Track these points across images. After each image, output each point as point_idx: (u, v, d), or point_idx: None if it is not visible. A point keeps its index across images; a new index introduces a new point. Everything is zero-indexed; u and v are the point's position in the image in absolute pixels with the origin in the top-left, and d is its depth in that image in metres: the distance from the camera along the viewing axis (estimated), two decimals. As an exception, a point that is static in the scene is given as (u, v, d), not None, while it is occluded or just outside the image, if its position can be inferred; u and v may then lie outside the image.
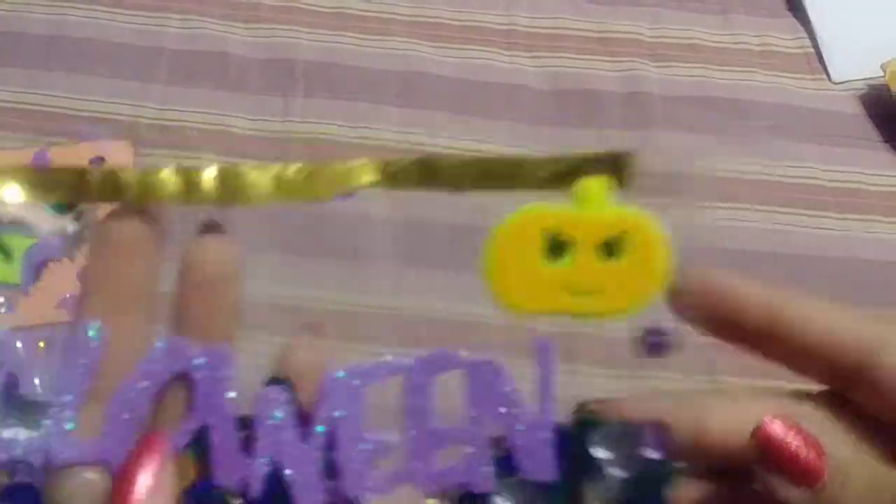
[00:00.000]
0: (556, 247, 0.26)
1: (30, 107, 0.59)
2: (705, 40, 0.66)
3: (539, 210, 0.26)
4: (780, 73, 0.65)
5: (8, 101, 0.58)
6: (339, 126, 0.59)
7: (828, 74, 0.65)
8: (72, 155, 0.56)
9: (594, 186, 0.25)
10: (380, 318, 0.52)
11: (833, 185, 0.60)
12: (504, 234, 0.27)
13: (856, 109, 0.63)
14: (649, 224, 0.25)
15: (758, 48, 0.66)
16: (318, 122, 0.59)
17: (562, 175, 0.25)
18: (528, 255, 0.26)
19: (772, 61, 0.65)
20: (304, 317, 0.52)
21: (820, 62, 0.65)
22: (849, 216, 0.58)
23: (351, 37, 0.64)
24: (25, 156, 0.56)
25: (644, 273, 0.26)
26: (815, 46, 0.66)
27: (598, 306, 0.26)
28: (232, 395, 0.25)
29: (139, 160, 0.57)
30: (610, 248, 0.26)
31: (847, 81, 0.64)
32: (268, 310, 0.52)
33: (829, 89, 0.64)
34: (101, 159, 0.57)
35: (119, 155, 0.57)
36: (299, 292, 0.53)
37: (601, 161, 0.25)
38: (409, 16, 0.65)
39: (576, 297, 0.26)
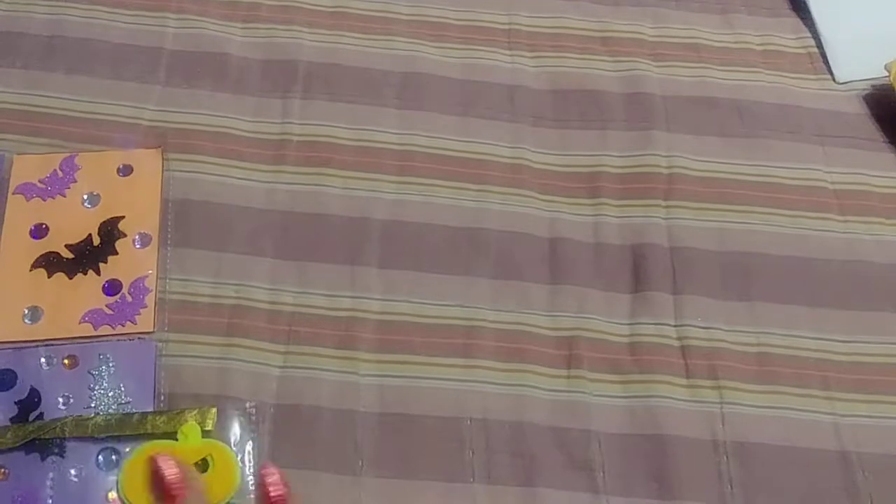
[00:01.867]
0: None
1: (28, 108, 0.58)
2: (707, 40, 0.65)
3: (157, 443, 0.47)
4: (782, 73, 0.64)
5: (6, 102, 0.58)
6: (339, 128, 0.59)
7: (832, 75, 0.64)
8: (100, 162, 0.56)
9: (190, 429, 0.47)
10: (373, 323, 0.52)
11: (836, 186, 0.59)
12: (134, 459, 0.47)
13: (859, 110, 0.63)
14: (225, 450, 0.47)
15: (760, 48, 0.65)
16: (317, 124, 0.59)
17: (173, 423, 0.47)
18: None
19: (774, 61, 0.65)
20: (303, 322, 0.52)
21: (824, 62, 0.65)
22: (851, 218, 0.58)
23: (351, 37, 0.63)
24: (54, 160, 0.56)
25: (224, 479, 0.46)
26: (819, 46, 0.66)
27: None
28: None
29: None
30: (204, 465, 0.46)
31: (851, 82, 0.64)
32: (266, 316, 0.52)
33: (832, 89, 0.64)
34: (129, 167, 0.56)
35: (147, 162, 0.56)
36: (296, 298, 0.53)
37: (194, 413, 0.48)
38: (411, 15, 0.65)
39: None
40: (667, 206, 0.58)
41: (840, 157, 0.60)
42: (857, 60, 0.64)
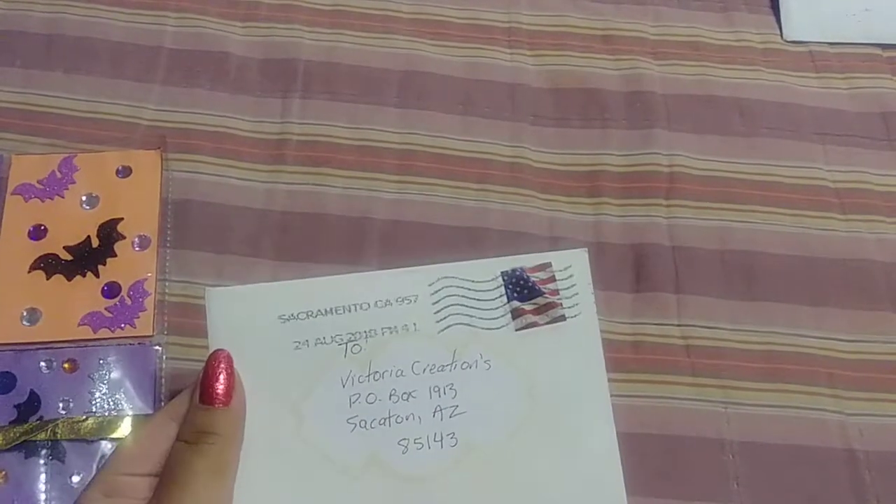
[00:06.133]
0: None
1: (27, 107, 0.58)
2: (708, 38, 0.65)
3: None
4: (783, 71, 0.64)
5: (5, 101, 0.58)
6: (339, 127, 0.59)
7: (780, 32, 0.65)
8: (98, 163, 0.56)
9: None
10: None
11: (837, 185, 0.59)
12: None
13: (861, 108, 0.62)
14: None
15: (760, 46, 0.65)
16: (317, 123, 0.59)
17: None
18: None
19: (775, 59, 0.65)
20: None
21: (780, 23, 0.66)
22: (853, 217, 0.58)
23: (351, 35, 0.63)
24: (52, 161, 0.55)
25: None
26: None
27: None
28: None
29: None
30: None
31: (799, 42, 0.65)
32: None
33: (833, 88, 0.63)
34: (128, 169, 0.56)
35: (146, 164, 0.56)
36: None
37: None
38: (411, 14, 0.65)
39: None
40: (668, 206, 0.57)
41: (841, 155, 0.60)
42: (809, 20, 0.65)
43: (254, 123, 0.59)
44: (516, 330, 0.43)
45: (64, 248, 0.53)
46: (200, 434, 0.37)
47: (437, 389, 0.41)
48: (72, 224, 0.54)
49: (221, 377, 0.38)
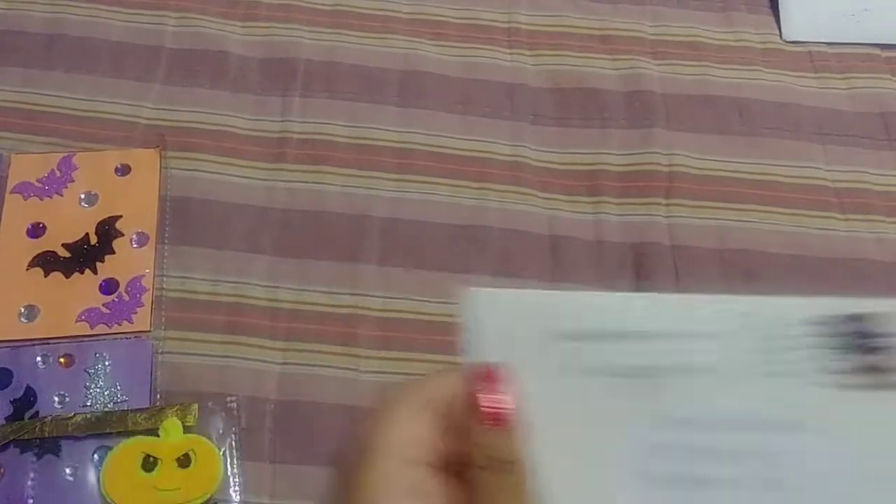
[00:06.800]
0: (150, 463, 0.47)
1: (28, 106, 0.58)
2: (707, 38, 0.65)
3: (138, 440, 0.47)
4: (782, 72, 0.64)
5: (6, 101, 0.58)
6: (339, 126, 0.59)
7: (780, 32, 0.65)
8: (97, 161, 0.56)
9: (171, 424, 0.47)
10: (373, 320, 0.52)
11: (836, 185, 0.59)
12: (115, 456, 0.47)
13: (860, 108, 0.62)
14: (207, 445, 0.47)
15: (759, 46, 0.65)
16: (316, 122, 0.59)
17: (154, 420, 0.47)
18: (131, 470, 0.46)
19: (774, 59, 0.65)
20: (302, 319, 0.51)
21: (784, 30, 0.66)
22: (852, 216, 0.58)
23: (351, 35, 0.63)
24: (51, 159, 0.56)
25: (206, 474, 0.47)
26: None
27: (178, 499, 0.46)
28: None
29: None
30: (186, 461, 0.47)
31: (798, 42, 0.65)
32: (265, 314, 0.51)
33: (832, 88, 0.63)
34: (126, 167, 0.56)
35: (145, 162, 0.56)
36: (296, 295, 0.52)
37: (175, 409, 0.47)
38: (410, 13, 0.65)
39: (163, 493, 0.46)
40: (667, 205, 0.57)
41: (840, 155, 0.60)
42: (808, 20, 0.65)
43: (254, 122, 0.59)
44: (856, 390, 0.31)
45: (62, 245, 0.53)
46: (499, 462, 0.30)
47: (757, 453, 0.32)
48: (70, 222, 0.54)
49: (508, 397, 0.32)
